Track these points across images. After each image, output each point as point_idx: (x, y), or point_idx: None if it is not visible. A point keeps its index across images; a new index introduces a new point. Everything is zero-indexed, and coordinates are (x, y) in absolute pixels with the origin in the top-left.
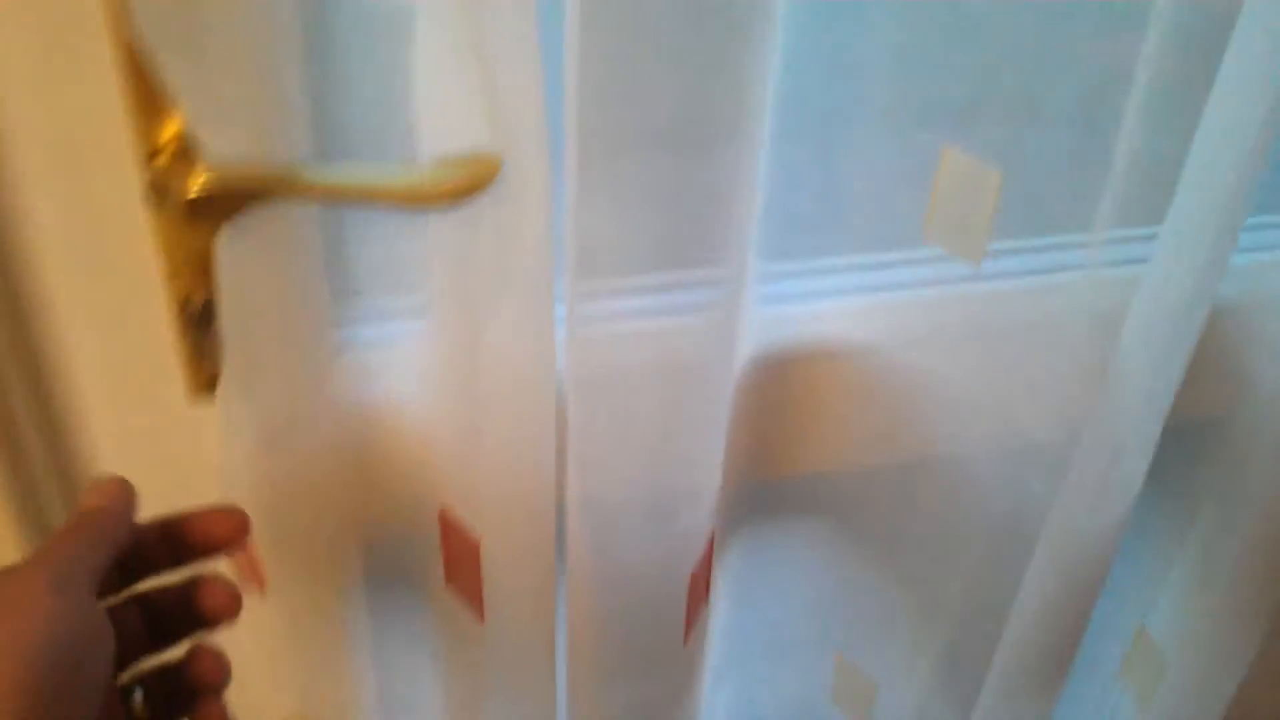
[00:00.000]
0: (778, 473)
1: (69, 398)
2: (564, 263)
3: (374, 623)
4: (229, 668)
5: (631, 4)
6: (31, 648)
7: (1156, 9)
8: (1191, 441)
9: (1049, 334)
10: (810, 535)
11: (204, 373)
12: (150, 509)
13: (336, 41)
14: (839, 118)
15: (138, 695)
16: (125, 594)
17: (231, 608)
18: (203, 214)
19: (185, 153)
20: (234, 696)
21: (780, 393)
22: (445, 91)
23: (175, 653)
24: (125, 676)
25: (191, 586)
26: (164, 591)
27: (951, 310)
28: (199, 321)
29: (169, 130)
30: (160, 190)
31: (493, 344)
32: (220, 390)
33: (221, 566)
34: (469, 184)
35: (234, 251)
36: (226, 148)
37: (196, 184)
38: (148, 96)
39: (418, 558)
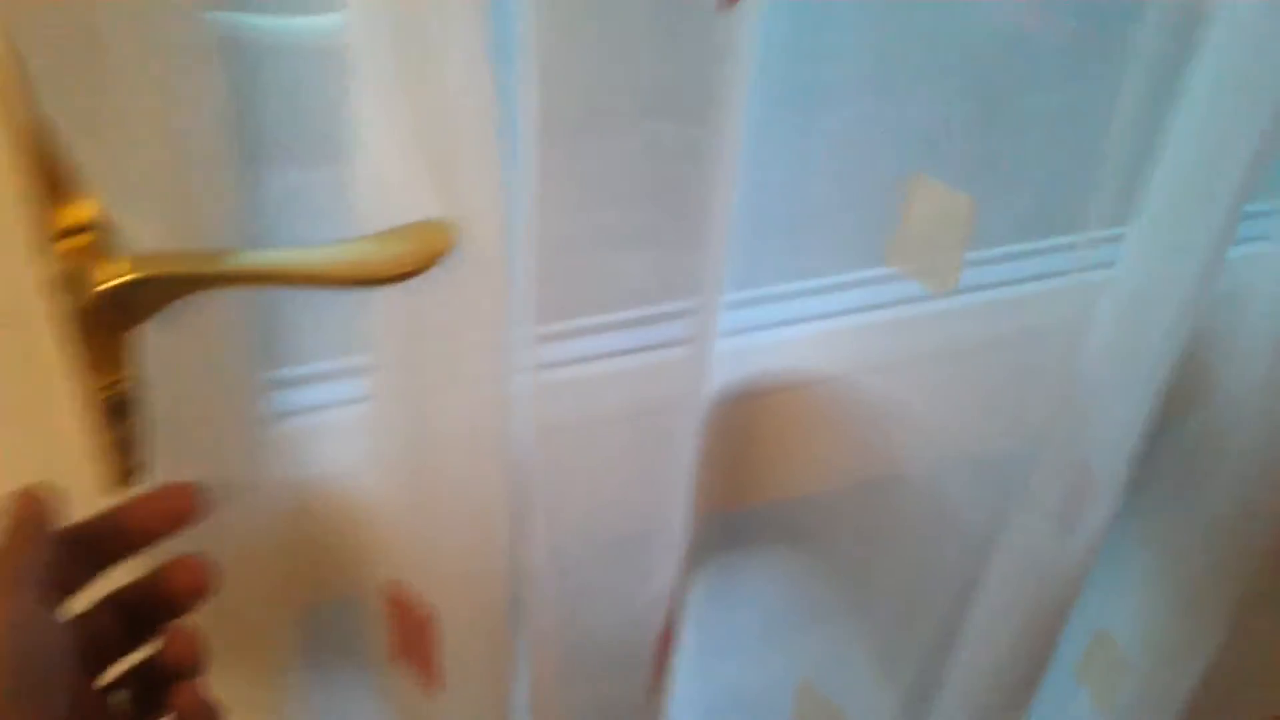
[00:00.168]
0: (740, 503)
1: None
2: (526, 306)
3: (318, 702)
4: (205, 647)
5: (593, 41)
6: None
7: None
8: (1151, 442)
9: (1013, 350)
10: (775, 562)
11: (124, 466)
12: None
13: (268, 107)
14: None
15: (122, 695)
16: (90, 599)
17: (200, 584)
18: (120, 307)
19: (98, 242)
20: None
21: (742, 422)
22: (388, 152)
23: (155, 645)
24: (108, 679)
25: (156, 575)
26: (131, 588)
27: (912, 330)
28: (117, 413)
29: (79, 216)
30: (71, 282)
31: (442, 410)
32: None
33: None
34: (422, 259)
35: (157, 338)
36: (146, 233)
37: (110, 276)
38: (52, 180)
39: (362, 633)
